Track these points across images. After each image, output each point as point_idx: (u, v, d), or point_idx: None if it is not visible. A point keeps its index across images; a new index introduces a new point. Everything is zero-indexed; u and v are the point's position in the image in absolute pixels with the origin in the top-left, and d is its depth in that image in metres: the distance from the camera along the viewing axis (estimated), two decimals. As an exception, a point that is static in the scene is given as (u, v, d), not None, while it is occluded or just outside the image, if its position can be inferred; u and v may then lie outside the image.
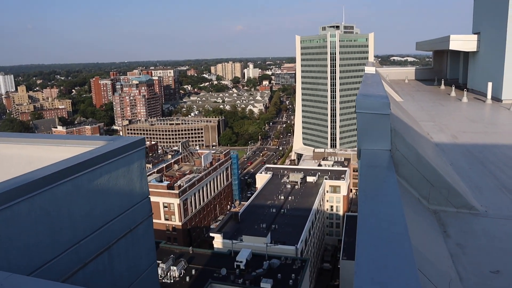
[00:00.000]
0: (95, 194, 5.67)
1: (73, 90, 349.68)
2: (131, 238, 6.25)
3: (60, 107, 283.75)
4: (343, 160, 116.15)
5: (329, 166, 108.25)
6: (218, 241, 65.59)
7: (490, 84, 16.24)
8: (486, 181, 6.80)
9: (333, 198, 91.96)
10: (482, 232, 4.78)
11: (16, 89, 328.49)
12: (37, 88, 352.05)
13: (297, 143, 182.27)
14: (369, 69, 16.73)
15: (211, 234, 69.53)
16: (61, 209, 5.18)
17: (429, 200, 5.31)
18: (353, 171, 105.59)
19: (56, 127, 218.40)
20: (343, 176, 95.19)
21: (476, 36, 19.18)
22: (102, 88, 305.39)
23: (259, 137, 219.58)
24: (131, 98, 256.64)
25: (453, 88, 19.18)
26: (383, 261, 2.34)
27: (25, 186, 4.68)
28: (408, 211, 4.26)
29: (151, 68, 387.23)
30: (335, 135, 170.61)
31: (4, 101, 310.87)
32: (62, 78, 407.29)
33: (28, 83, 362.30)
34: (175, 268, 55.45)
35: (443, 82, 22.26)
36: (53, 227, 5.04)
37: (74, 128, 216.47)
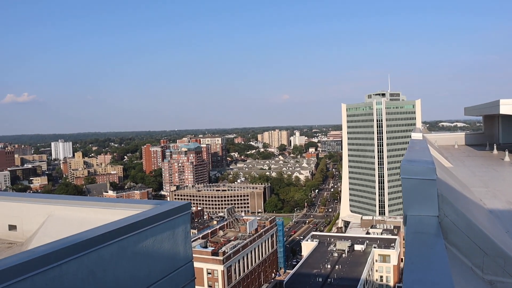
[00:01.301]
0: (140, 257, 5.76)
1: (125, 157, 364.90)
2: (174, 302, 6.20)
3: (112, 172, 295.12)
4: (392, 228, 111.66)
5: (377, 234, 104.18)
6: (262, 311, 63.27)
7: (545, 149, 15.54)
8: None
9: (382, 268, 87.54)
10: (546, 307, 4.42)
11: (73, 155, 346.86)
12: (92, 154, 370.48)
13: (344, 210, 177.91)
14: (416, 135, 16.50)
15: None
16: (107, 270, 5.29)
17: (483, 269, 5.00)
18: (403, 239, 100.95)
19: (107, 191, 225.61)
20: (393, 244, 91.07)
21: (527, 98, 18.69)
22: (152, 155, 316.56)
23: (305, 204, 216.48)
24: (180, 164, 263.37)
25: (507, 153, 18.46)
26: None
27: (74, 246, 4.85)
28: (459, 280, 4.04)
29: (199, 136, 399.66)
30: (384, 202, 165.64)
31: (62, 166, 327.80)
32: (116, 145, 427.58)
33: (84, 150, 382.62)
34: None
35: (495, 146, 21.50)
36: (95, 284, 5.13)
37: (124, 193, 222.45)
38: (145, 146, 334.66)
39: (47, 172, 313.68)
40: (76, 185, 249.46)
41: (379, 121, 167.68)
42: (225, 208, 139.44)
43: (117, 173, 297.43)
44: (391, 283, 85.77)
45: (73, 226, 7.67)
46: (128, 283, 5.60)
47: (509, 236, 6.86)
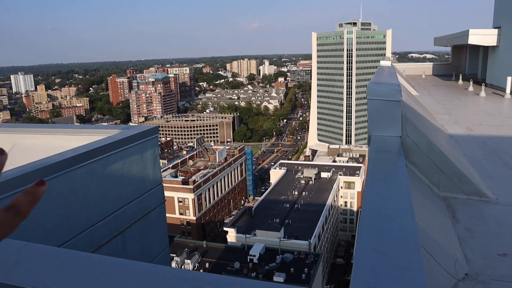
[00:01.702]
0: (109, 180, 5.81)
1: (90, 89, 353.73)
2: (144, 223, 6.38)
3: (78, 105, 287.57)
4: (358, 156, 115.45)
5: (343, 162, 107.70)
6: (231, 235, 65.93)
7: (509, 79, 16.02)
8: (500, 170, 6.76)
9: (347, 194, 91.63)
10: (492, 218, 4.78)
11: (36, 88, 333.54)
12: (55, 87, 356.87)
13: (312, 139, 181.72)
14: (385, 63, 16.61)
15: (225, 229, 69.92)
16: (76, 193, 5.33)
17: (439, 187, 5.31)
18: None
19: (74, 124, 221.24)
20: (358, 172, 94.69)
21: (496, 30, 18.90)
22: (119, 86, 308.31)
23: (274, 133, 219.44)
24: (147, 95, 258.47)
25: (471, 83, 18.96)
26: (385, 233, 2.39)
27: (41, 170, 4.84)
28: (417, 195, 4.28)
29: (167, 66, 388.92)
30: (351, 131, 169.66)
31: (24, 100, 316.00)
32: (80, 77, 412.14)
33: (47, 82, 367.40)
34: (189, 261, 55.98)
35: (461, 77, 21.99)
36: (68, 210, 5.19)
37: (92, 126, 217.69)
38: (111, 77, 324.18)
39: (8, 107, 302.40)
40: (41, 119, 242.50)
41: (349, 51, 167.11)
42: (194, 138, 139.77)
43: (83, 105, 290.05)
44: (355, 208, 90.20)
45: (39, 153, 7.57)
46: (98, 206, 5.68)
47: (465, 158, 7.23)
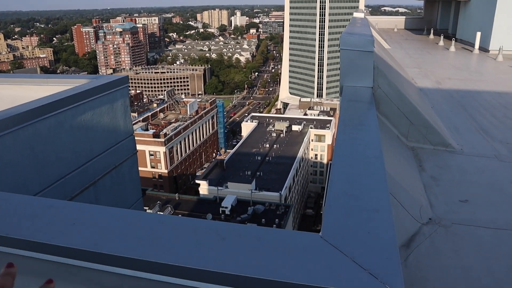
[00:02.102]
0: (79, 131, 5.70)
1: (54, 39, 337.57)
2: (116, 174, 6.36)
3: (41, 56, 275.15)
4: (329, 109, 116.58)
5: (314, 115, 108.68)
6: (203, 187, 66.58)
7: (478, 34, 16.23)
8: (465, 123, 6.98)
9: (317, 147, 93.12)
10: (456, 167, 4.99)
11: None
12: (15, 36, 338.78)
13: (284, 93, 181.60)
14: (358, 15, 16.49)
15: (197, 181, 70.49)
16: (46, 144, 5.22)
17: (407, 137, 5.46)
18: (338, 121, 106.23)
19: (41, 74, 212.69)
20: (328, 125, 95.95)
21: (467, -17, 18.91)
22: (84, 36, 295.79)
23: (246, 86, 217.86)
24: (115, 46, 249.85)
25: (442, 37, 19.12)
26: (356, 179, 2.47)
27: (8, 120, 4.69)
28: (386, 145, 4.40)
29: (135, 15, 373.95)
30: (322, 84, 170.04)
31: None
32: (42, 26, 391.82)
33: (5, 31, 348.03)
34: (161, 213, 56.60)
35: (432, 31, 22.11)
36: (38, 162, 5.10)
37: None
38: (75, 26, 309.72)
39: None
40: (2, 70, 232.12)
41: (322, 3, 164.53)
42: (164, 90, 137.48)
43: (47, 56, 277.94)
44: (325, 161, 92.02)
45: (4, 104, 7.31)
46: (69, 157, 5.60)
47: (434, 110, 7.42)
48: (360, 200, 2.21)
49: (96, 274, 1.99)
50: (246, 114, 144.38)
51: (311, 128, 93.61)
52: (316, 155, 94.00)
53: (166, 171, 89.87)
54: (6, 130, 4.50)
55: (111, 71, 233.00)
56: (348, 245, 1.84)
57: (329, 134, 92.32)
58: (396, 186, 3.60)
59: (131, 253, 1.87)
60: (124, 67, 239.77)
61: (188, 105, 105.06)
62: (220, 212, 55.55)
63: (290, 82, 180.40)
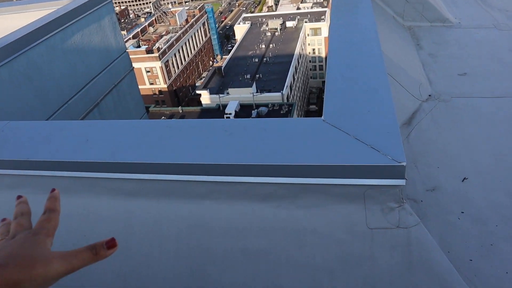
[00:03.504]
0: (72, 54, 5.63)
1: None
2: (117, 93, 6.39)
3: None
4: (322, 0, 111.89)
5: (308, 8, 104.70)
6: (205, 97, 66.61)
7: None
8: (462, -6, 6.75)
9: (314, 41, 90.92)
10: (454, 42, 4.94)
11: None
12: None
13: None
14: None
15: (198, 92, 70.32)
16: (42, 72, 5.19)
17: (403, 16, 5.35)
18: (330, 11, 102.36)
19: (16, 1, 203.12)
20: (323, 17, 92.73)
21: None
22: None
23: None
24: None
25: None
26: (353, 61, 2.50)
27: (1, 51, 4.63)
28: (382, 27, 4.33)
29: None
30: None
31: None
32: None
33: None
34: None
35: None
36: (38, 90, 5.12)
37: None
38: None
39: None
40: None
41: None
42: (150, 2, 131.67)
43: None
44: (323, 54, 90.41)
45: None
46: (67, 82, 5.61)
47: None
48: (358, 82, 2.27)
49: (116, 182, 2.13)
50: (237, 17, 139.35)
51: (305, 22, 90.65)
52: (313, 49, 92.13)
53: (165, 86, 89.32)
54: (1, 62, 4.47)
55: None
56: (350, 124, 1.94)
57: (324, 26, 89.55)
58: (394, 66, 3.63)
59: (145, 158, 1.99)
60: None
61: (176, 14, 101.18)
62: (225, 118, 56.11)
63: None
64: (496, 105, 3.56)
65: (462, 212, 2.51)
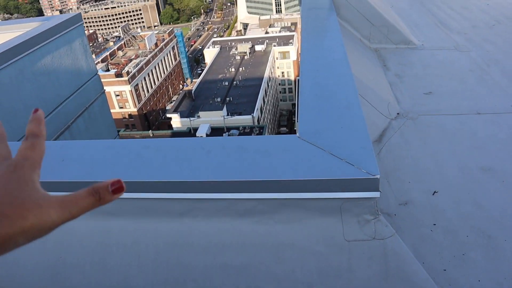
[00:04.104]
0: (42, 76, 5.56)
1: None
2: (89, 116, 6.32)
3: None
4: (289, 25, 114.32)
5: (276, 32, 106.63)
6: (176, 120, 66.31)
7: None
8: (425, 18, 7.07)
9: (283, 64, 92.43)
10: (418, 63, 5.16)
11: None
12: None
13: (242, 13, 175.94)
14: None
15: (168, 115, 70.00)
16: (10, 94, 5.11)
17: (370, 39, 5.55)
18: (300, 35, 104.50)
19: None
20: (291, 41, 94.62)
21: None
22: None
23: (202, 11, 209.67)
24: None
25: None
26: (324, 81, 2.58)
27: (-34, 74, 4.55)
28: (350, 49, 4.49)
29: None
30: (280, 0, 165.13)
31: None
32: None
33: None
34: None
35: None
36: (6, 112, 5.02)
37: None
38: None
39: None
40: None
41: None
42: (119, 26, 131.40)
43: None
44: (292, 77, 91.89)
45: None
46: (37, 104, 5.51)
47: (393, 10, 7.46)
48: (330, 100, 2.35)
49: (95, 202, 2.10)
50: (206, 41, 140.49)
51: (274, 46, 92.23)
52: (282, 72, 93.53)
53: (135, 110, 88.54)
54: (-33, 85, 4.38)
55: (57, 13, 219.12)
56: (324, 140, 2.00)
57: (293, 50, 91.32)
58: (363, 86, 3.76)
59: (123, 177, 1.98)
60: (70, 7, 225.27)
61: (146, 38, 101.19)
62: (202, 137, 55.89)
63: (247, 1, 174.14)
64: (460, 121, 3.72)
65: (434, 224, 2.59)
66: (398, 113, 3.95)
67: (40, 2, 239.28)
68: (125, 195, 2.04)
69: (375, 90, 4.01)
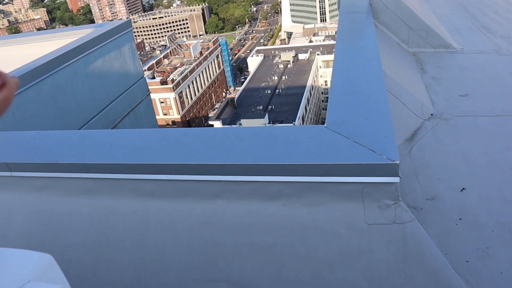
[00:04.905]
0: (93, 78, 5.96)
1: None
2: (134, 116, 6.67)
3: (35, 17, 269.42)
4: (334, 34, 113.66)
5: (320, 41, 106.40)
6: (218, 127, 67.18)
7: None
8: (466, 23, 7.01)
9: (326, 73, 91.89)
10: (457, 66, 5.15)
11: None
12: (5, 1, 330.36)
13: (286, 22, 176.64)
14: None
15: (210, 122, 71.02)
16: (65, 94, 5.51)
17: (408, 43, 5.59)
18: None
19: (45, 30, 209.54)
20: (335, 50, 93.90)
21: None
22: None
23: (247, 20, 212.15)
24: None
25: None
26: (355, 77, 2.71)
27: (29, 73, 4.97)
28: (387, 52, 4.57)
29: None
30: (325, 8, 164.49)
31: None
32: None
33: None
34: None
35: None
36: (61, 110, 5.42)
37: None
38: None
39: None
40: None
41: None
42: (165, 36, 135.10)
43: (41, 17, 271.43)
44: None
45: (16, 64, 7.55)
46: (88, 104, 5.91)
47: (434, 15, 7.42)
48: (358, 95, 2.47)
49: (137, 183, 2.33)
50: (250, 50, 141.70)
51: (318, 55, 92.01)
52: (325, 81, 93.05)
53: (178, 117, 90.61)
54: (29, 84, 4.79)
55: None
56: (349, 130, 2.13)
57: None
58: (398, 87, 3.83)
59: (165, 159, 2.19)
60: (120, 17, 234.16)
61: (191, 47, 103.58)
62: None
63: (291, 10, 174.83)
64: (496, 123, 3.72)
65: (460, 219, 2.64)
66: (432, 114, 3.99)
67: (93, 12, 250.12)
68: (163, 176, 2.25)
69: (410, 91, 4.07)
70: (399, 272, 1.96)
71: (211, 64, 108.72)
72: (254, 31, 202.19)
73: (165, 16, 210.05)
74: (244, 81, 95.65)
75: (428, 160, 3.27)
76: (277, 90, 77.70)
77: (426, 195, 2.86)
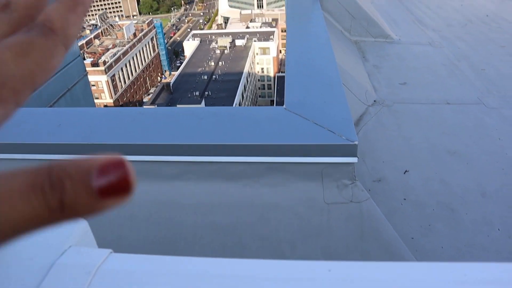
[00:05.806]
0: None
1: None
2: (71, 97, 6.34)
3: None
4: (270, 20, 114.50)
5: (257, 28, 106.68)
6: (153, 113, 65.67)
7: None
8: (402, 15, 7.35)
9: (263, 60, 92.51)
10: (395, 55, 5.40)
11: None
12: None
13: (223, 6, 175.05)
14: None
15: (145, 107, 69.26)
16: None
17: (350, 31, 5.76)
18: (281, 31, 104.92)
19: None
20: (272, 37, 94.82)
21: None
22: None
23: (183, 2, 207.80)
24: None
25: None
26: (309, 61, 2.75)
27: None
28: (332, 40, 4.68)
29: None
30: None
31: None
32: None
33: None
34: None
35: None
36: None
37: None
38: None
39: None
40: None
41: None
42: (96, 14, 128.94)
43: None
44: (271, 74, 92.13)
45: None
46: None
47: (373, 5, 7.71)
48: (314, 77, 2.52)
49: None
50: (189, 31, 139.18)
51: (254, 41, 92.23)
52: (262, 68, 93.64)
53: (111, 101, 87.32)
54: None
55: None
56: (308, 111, 2.17)
57: (273, 46, 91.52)
58: (344, 73, 3.95)
59: (120, 139, 2.11)
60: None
61: (124, 28, 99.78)
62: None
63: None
64: (431, 110, 3.97)
65: (404, 199, 2.80)
66: (375, 100, 4.16)
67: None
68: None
69: (355, 78, 4.21)
70: (357, 247, 2.05)
71: (146, 46, 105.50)
72: (190, 14, 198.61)
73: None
74: (180, 66, 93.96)
75: (373, 144, 3.42)
76: (213, 76, 77.19)
77: (373, 177, 3.00)
